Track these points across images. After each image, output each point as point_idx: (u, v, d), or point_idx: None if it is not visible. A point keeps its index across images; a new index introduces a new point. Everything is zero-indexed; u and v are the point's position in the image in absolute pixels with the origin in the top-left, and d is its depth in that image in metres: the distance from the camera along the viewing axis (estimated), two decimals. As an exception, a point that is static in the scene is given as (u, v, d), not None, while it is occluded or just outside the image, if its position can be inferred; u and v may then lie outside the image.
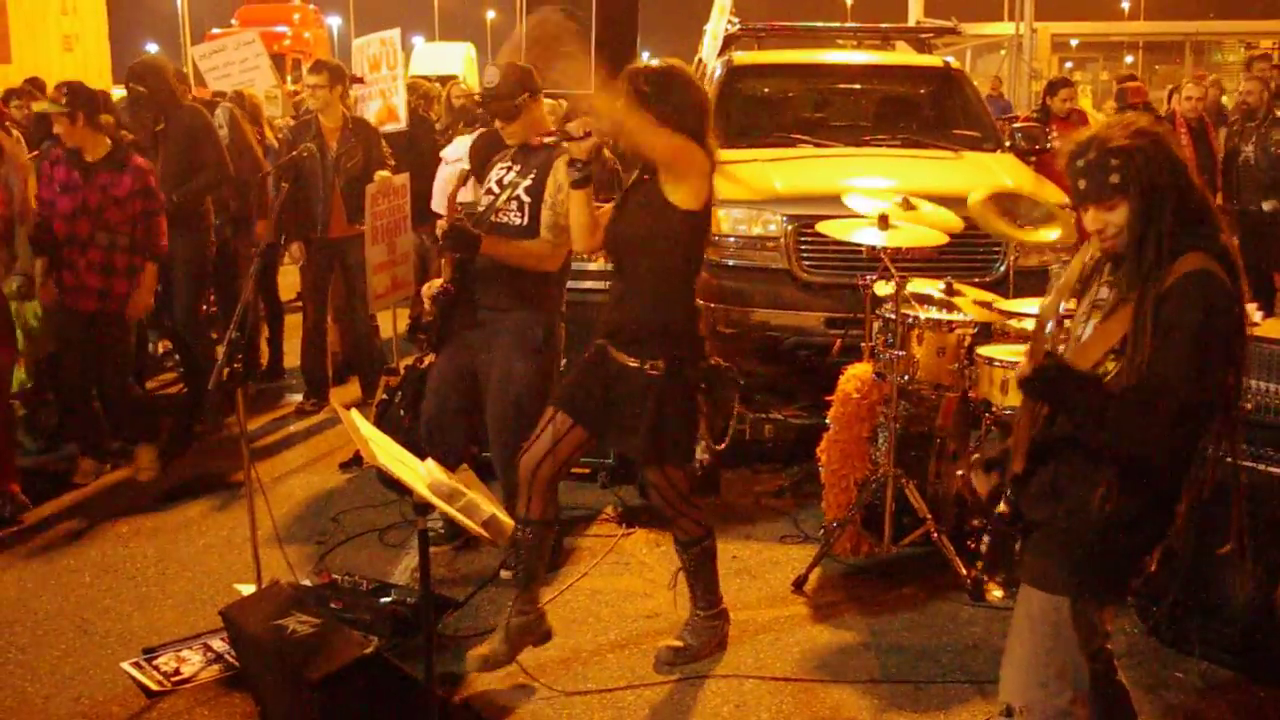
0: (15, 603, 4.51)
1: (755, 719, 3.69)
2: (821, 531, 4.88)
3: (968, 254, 5.81)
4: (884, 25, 9.44)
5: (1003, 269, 5.79)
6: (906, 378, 4.58)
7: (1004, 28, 30.60)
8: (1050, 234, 5.10)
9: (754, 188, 6.24)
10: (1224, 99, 13.77)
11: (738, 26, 8.43)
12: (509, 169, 4.53)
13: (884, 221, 4.67)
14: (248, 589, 4.25)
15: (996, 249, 5.87)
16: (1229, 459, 2.70)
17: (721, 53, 8.24)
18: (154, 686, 3.84)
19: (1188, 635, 3.97)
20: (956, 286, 4.82)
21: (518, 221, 4.42)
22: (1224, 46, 39.16)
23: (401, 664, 3.54)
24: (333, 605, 4.10)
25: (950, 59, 8.29)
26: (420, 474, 3.16)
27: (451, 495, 3.12)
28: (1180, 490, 2.64)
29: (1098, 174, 2.58)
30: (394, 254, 6.59)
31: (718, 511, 5.24)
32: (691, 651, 3.99)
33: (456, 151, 6.85)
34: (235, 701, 3.75)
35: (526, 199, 4.42)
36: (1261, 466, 3.79)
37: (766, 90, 8.15)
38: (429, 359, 4.98)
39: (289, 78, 18.31)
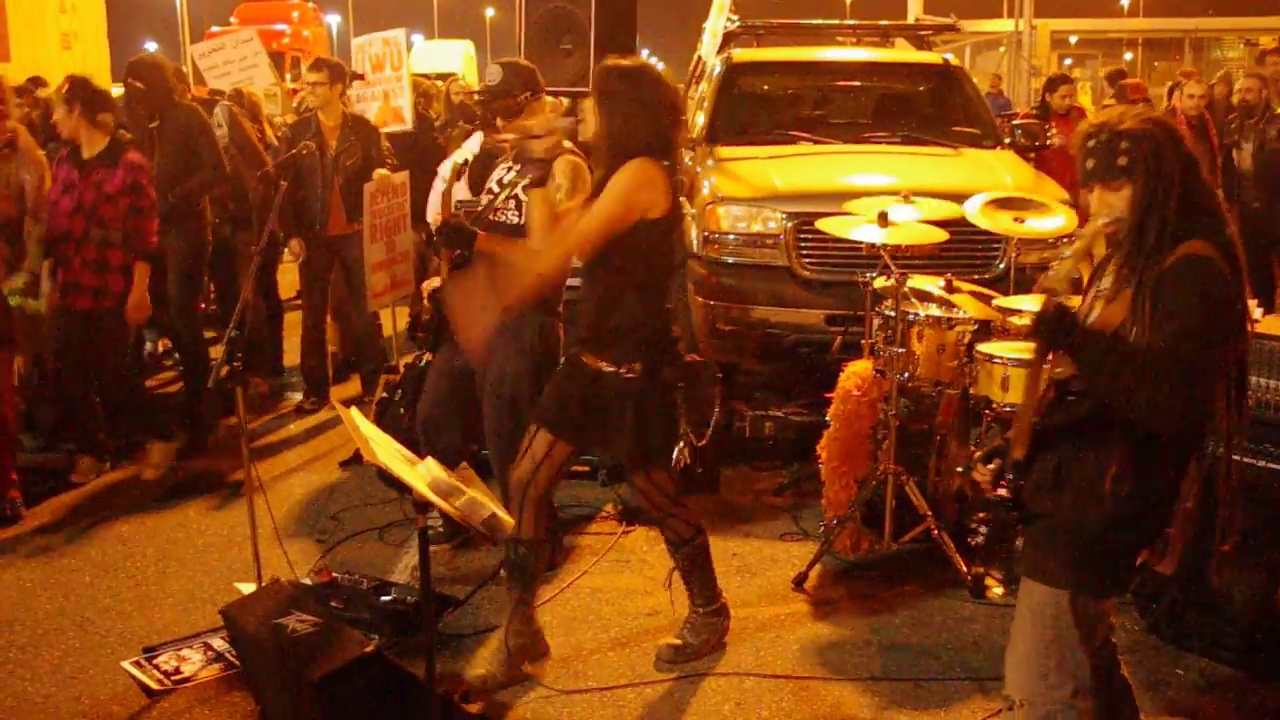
0: (15, 603, 4.51)
1: (755, 716, 3.69)
2: (822, 529, 4.88)
3: (967, 251, 5.80)
4: (883, 22, 9.45)
5: (1003, 266, 5.79)
6: (906, 375, 4.58)
7: (1003, 24, 30.54)
8: (1052, 222, 5.08)
9: (753, 185, 6.23)
10: (1234, 97, 13.62)
11: (737, 24, 8.44)
12: (510, 168, 4.53)
13: (884, 219, 4.67)
14: (248, 588, 4.25)
15: (996, 246, 5.86)
16: (1236, 457, 2.69)
17: (721, 50, 8.24)
18: (154, 686, 3.84)
19: (1188, 632, 3.98)
20: (956, 284, 4.82)
21: (515, 220, 4.41)
22: (1223, 43, 39.18)
23: (402, 663, 3.54)
24: (333, 604, 4.10)
25: (949, 56, 8.31)
26: (420, 472, 3.16)
27: (451, 493, 3.12)
28: (1181, 485, 2.64)
29: (1106, 154, 2.60)
30: (393, 252, 6.60)
31: (717, 509, 5.25)
32: (691, 649, 3.99)
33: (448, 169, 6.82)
34: (235, 701, 3.75)
35: (524, 198, 4.41)
36: (1261, 463, 3.79)
37: (766, 87, 8.15)
38: (428, 357, 4.98)
39: (288, 75, 18.31)
